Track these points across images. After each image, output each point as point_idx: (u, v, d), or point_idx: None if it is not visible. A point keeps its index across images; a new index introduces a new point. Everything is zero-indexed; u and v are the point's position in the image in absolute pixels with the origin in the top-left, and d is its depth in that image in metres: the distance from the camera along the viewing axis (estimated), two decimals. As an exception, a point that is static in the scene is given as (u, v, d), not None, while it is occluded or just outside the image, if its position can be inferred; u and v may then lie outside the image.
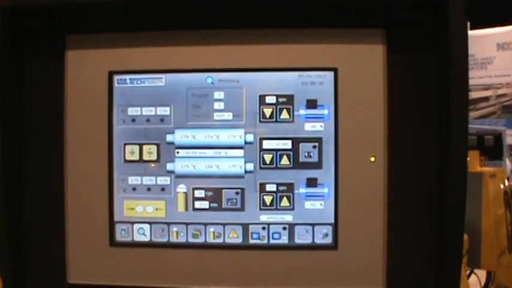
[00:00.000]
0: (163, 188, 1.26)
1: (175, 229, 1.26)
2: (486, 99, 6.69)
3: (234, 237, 1.25)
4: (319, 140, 1.23)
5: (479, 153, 4.49)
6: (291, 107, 1.23)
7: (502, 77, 6.67)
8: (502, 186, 3.70)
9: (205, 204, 1.25)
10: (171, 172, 1.25)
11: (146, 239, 1.26)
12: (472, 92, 6.69)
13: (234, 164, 1.24)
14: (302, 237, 1.24)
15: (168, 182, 1.26)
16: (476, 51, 6.54)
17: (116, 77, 1.25)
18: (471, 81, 6.88)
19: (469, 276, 4.48)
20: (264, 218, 1.25)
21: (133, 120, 1.25)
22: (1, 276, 1.23)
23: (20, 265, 1.28)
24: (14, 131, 1.26)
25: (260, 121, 1.24)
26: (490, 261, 4.02)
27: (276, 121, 1.23)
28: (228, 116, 1.24)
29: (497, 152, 5.60)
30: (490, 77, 6.69)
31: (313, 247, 1.24)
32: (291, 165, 1.23)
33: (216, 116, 1.24)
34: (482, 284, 2.93)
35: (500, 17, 7.10)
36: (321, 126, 1.22)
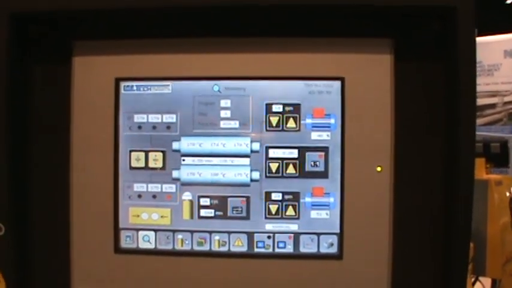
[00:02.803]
0: (168, 196, 1.26)
1: (180, 237, 1.26)
2: (493, 106, 6.67)
3: (239, 245, 1.25)
4: (325, 149, 1.23)
5: (485, 160, 4.49)
6: (297, 115, 1.23)
7: (508, 84, 6.67)
8: (507, 193, 3.69)
9: (210, 212, 1.26)
10: (176, 180, 1.25)
11: (151, 246, 1.27)
12: (479, 99, 6.67)
13: (240, 172, 1.24)
14: (307, 246, 1.24)
15: (174, 190, 1.26)
16: (483, 58, 6.52)
17: (123, 84, 1.25)
18: (478, 88, 6.98)
19: (474, 283, 4.44)
20: (270, 226, 1.25)
21: (139, 127, 1.26)
22: (6, 281, 1.23)
23: (24, 270, 1.28)
24: (20, 137, 1.26)
25: (266, 130, 1.24)
26: (495, 269, 4.01)
27: (283, 130, 1.23)
28: (235, 124, 1.24)
29: (503, 159, 5.54)
30: (496, 84, 6.69)
31: (318, 256, 1.24)
32: (297, 174, 1.23)
33: (223, 124, 1.24)
34: (488, 291, 2.90)
35: (508, 24, 7.10)
36: (328, 135, 1.23)
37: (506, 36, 6.79)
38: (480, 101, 6.64)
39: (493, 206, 3.97)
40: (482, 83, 6.61)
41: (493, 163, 4.90)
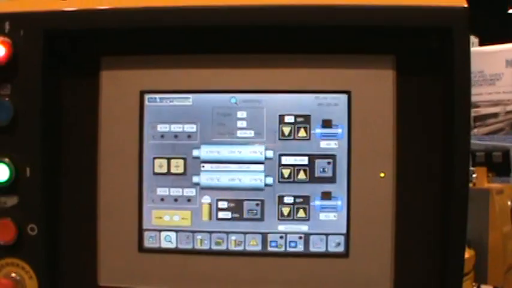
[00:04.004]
0: (189, 199, 1.29)
1: (199, 237, 1.29)
2: (495, 115, 6.53)
3: (253, 245, 1.28)
4: (333, 156, 1.26)
5: (487, 169, 4.47)
6: (308, 126, 1.26)
7: (510, 93, 6.51)
8: (509, 202, 3.67)
9: (227, 215, 1.28)
10: (196, 184, 1.28)
11: (172, 245, 1.29)
12: (481, 108, 6.55)
13: (255, 177, 1.27)
14: (316, 245, 1.27)
15: (194, 194, 1.29)
16: (485, 67, 6.39)
17: (147, 96, 1.28)
18: (480, 97, 6.74)
19: None
20: (282, 227, 1.28)
21: (162, 136, 1.28)
22: (38, 278, 1.27)
23: (55, 268, 1.30)
24: (53, 146, 1.30)
25: (279, 139, 1.27)
26: (497, 277, 4.00)
27: (294, 139, 1.27)
28: (250, 133, 1.27)
29: (505, 168, 5.46)
30: (498, 93, 6.52)
31: (326, 255, 1.27)
32: (307, 180, 1.26)
33: (239, 133, 1.27)
34: (489, 300, 2.90)
35: (510, 34, 7.03)
36: (335, 144, 1.26)
37: (508, 45, 6.63)
38: (482, 111, 6.53)
39: (494, 215, 3.97)
40: (484, 93, 6.49)
41: (494, 172, 4.86)
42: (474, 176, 4.13)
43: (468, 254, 4.43)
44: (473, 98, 6.33)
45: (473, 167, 4.42)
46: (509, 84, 6.54)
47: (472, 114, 6.31)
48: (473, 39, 7.48)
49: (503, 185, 4.66)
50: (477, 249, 4.38)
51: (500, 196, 4.10)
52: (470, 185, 3.98)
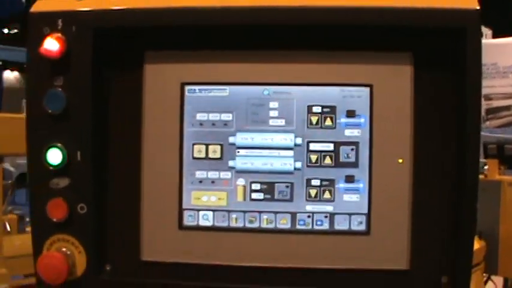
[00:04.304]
0: (225, 181, 1.34)
1: (234, 216, 1.34)
2: (507, 108, 6.37)
3: (283, 223, 1.33)
4: (356, 143, 1.31)
5: (499, 162, 4.43)
6: (333, 115, 1.31)
7: None
8: None
9: (260, 196, 1.33)
10: (232, 168, 1.33)
11: (209, 223, 1.34)
12: (493, 101, 6.42)
13: (285, 162, 1.32)
14: (340, 224, 1.32)
15: (230, 177, 1.34)
16: (498, 59, 6.21)
17: (187, 88, 1.33)
18: (492, 90, 6.65)
19: (486, 282, 4.41)
20: (309, 207, 1.32)
21: (201, 124, 1.33)
22: (86, 252, 1.33)
23: (101, 244, 1.36)
24: (101, 133, 1.35)
25: (307, 127, 1.31)
26: (508, 267, 4.01)
27: (321, 127, 1.31)
28: (281, 122, 1.32)
29: None
30: (511, 86, 6.48)
31: (349, 233, 1.32)
32: (333, 164, 1.31)
33: (271, 122, 1.32)
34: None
35: None
36: (358, 132, 1.31)
37: (522, 37, 6.59)
38: (495, 103, 6.41)
39: (506, 207, 3.99)
40: (497, 85, 6.33)
41: (506, 165, 4.81)
42: (486, 168, 4.00)
43: (479, 244, 4.33)
44: (486, 91, 6.14)
45: (485, 159, 4.34)
46: (522, 77, 6.43)
47: (485, 107, 6.22)
48: (487, 31, 7.32)
49: (515, 177, 4.63)
50: (488, 240, 4.27)
51: (512, 188, 4.06)
52: (482, 176, 3.94)
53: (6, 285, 4.47)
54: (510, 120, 6.55)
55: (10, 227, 5.39)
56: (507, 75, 6.43)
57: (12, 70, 19.60)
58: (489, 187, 4.29)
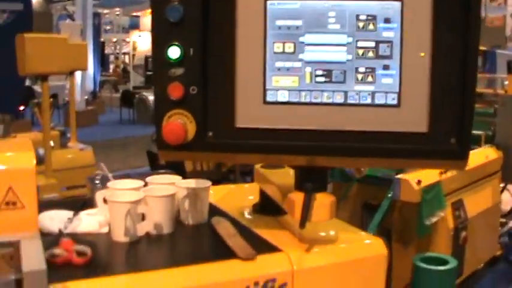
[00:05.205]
0: (297, 69, 1.58)
1: (303, 93, 1.59)
2: None
3: (339, 98, 1.59)
4: (391, 42, 1.55)
5: None
6: (375, 21, 1.55)
7: None
8: None
9: (322, 79, 1.58)
10: (301, 60, 1.58)
11: (285, 99, 1.60)
12: None
13: (340, 55, 1.58)
14: (379, 99, 1.58)
15: (300, 66, 1.59)
16: None
17: (268, 2, 1.57)
18: None
19: (502, 191, 4.71)
20: (357, 87, 1.58)
21: (279, 28, 1.57)
22: (196, 121, 1.59)
23: (206, 115, 1.60)
24: (207, 35, 1.59)
25: (356, 30, 1.56)
26: None
27: (366, 30, 1.55)
28: (337, 26, 1.57)
29: None
30: None
31: (385, 105, 1.58)
32: (374, 57, 1.56)
33: (330, 26, 1.57)
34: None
35: None
36: (392, 34, 1.56)
37: None
38: None
39: None
40: None
41: None
42: (506, 83, 3.91)
43: (497, 155, 4.58)
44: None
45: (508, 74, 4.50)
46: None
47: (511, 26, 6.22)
48: None
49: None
50: (505, 151, 4.58)
51: (528, 97, 3.99)
52: (502, 92, 4.05)
53: (56, 194, 4.93)
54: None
55: (54, 142, 5.85)
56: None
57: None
58: (508, 101, 4.62)
